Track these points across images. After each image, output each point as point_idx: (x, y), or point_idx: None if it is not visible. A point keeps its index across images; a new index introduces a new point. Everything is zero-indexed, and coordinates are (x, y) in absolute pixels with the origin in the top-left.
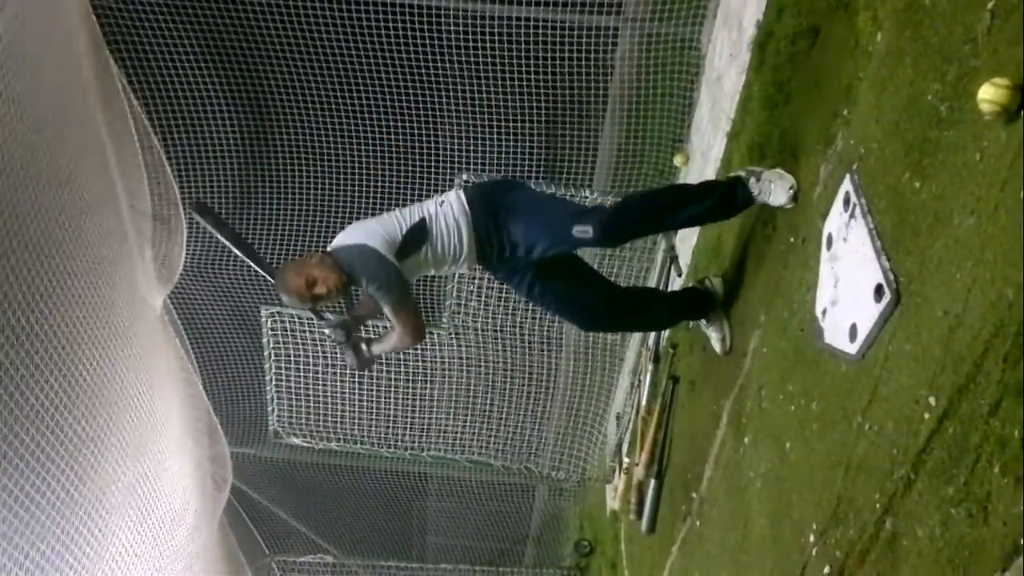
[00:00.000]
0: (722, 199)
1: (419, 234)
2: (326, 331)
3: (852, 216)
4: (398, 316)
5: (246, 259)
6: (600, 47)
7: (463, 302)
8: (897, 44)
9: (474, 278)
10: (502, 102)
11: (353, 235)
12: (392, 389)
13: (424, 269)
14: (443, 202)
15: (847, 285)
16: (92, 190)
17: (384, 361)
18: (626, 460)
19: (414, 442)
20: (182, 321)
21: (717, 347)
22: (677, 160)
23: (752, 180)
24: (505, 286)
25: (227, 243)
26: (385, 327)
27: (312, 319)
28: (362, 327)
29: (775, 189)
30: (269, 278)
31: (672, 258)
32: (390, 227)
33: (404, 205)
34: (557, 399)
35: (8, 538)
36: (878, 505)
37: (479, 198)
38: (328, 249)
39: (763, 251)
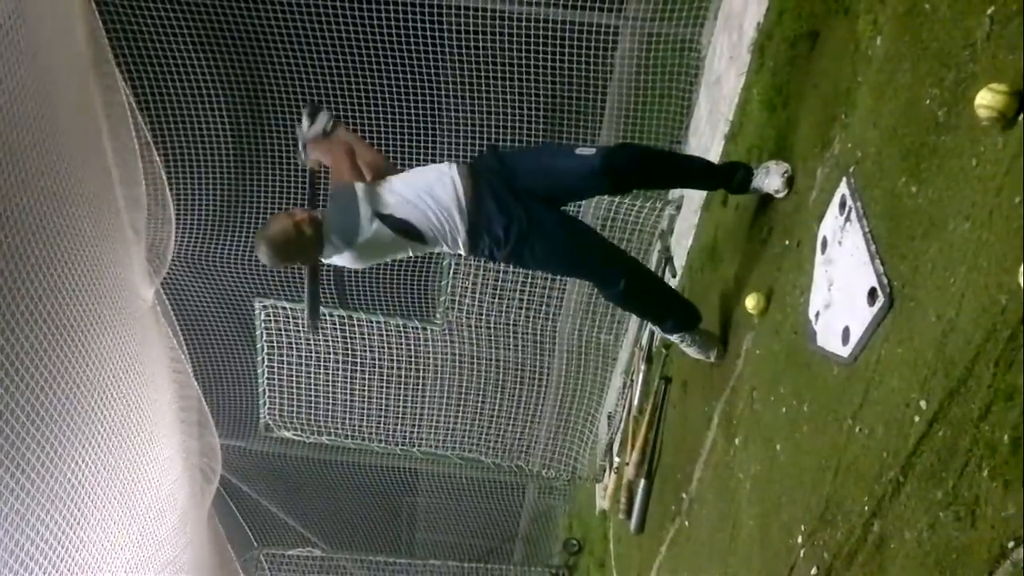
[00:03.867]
0: (720, 170)
1: (412, 232)
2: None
3: (847, 219)
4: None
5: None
6: (600, 46)
7: (457, 298)
8: (896, 49)
9: (468, 274)
10: (501, 98)
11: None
12: (384, 384)
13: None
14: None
15: (841, 288)
16: (88, 178)
17: (377, 357)
18: (616, 459)
19: (405, 438)
20: (175, 313)
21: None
22: None
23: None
24: (499, 278)
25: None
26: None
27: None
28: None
29: (770, 174)
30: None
31: (667, 259)
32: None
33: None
34: (549, 397)
35: None
36: (867, 508)
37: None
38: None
39: (758, 253)
